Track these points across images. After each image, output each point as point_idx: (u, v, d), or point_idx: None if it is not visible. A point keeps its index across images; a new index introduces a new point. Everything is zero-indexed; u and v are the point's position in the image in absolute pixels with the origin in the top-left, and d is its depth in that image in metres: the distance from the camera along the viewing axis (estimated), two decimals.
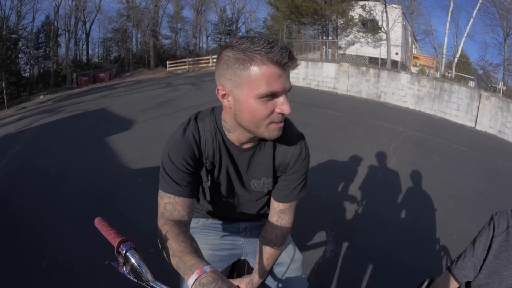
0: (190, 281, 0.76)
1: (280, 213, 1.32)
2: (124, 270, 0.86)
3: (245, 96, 1.00)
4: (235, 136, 1.17)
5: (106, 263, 0.89)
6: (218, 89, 1.06)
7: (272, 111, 1.01)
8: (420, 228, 3.87)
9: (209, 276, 0.74)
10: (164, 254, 0.96)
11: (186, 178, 1.13)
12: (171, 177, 1.12)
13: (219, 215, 1.51)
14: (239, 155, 1.23)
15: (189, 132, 1.16)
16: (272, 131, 1.06)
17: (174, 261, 0.89)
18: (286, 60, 0.95)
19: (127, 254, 0.85)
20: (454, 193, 5.12)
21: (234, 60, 0.98)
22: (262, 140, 1.21)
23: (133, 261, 0.85)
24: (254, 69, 0.95)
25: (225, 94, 1.05)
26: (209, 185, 1.28)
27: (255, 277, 1.38)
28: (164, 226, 1.03)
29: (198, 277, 0.75)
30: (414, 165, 6.19)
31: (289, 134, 1.24)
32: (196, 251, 0.90)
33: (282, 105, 1.00)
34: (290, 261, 1.46)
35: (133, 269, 0.85)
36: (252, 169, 1.27)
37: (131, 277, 0.86)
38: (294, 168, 1.26)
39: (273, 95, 0.99)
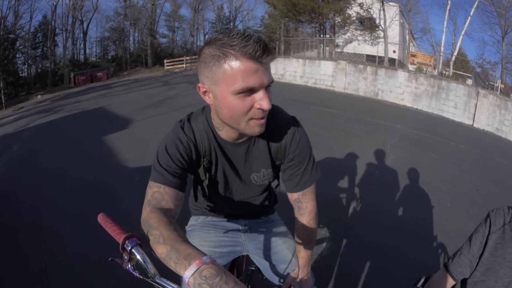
0: (188, 272, 0.69)
1: (296, 202, 1.33)
2: (129, 266, 0.84)
3: (222, 93, 0.98)
4: (224, 133, 1.16)
5: (109, 259, 0.88)
6: (198, 87, 1.05)
7: (251, 107, 0.99)
8: (417, 226, 3.89)
9: (211, 268, 0.68)
10: (151, 242, 0.88)
11: (178, 171, 1.11)
12: (163, 167, 1.09)
13: (219, 212, 1.51)
14: (233, 151, 1.23)
15: (186, 131, 1.17)
16: (252, 127, 1.04)
17: (163, 249, 0.81)
18: (260, 53, 0.92)
19: (133, 250, 0.83)
20: (451, 191, 5.14)
21: (210, 57, 0.96)
22: None
23: (138, 257, 0.83)
24: (229, 65, 0.93)
25: (205, 91, 1.05)
26: (207, 183, 1.28)
27: (297, 270, 1.42)
28: (152, 214, 0.97)
29: (198, 269, 0.69)
30: (411, 162, 6.20)
31: (279, 120, 1.23)
32: (188, 242, 0.83)
33: (260, 101, 0.97)
34: (291, 257, 1.46)
35: (138, 266, 0.84)
36: (250, 163, 1.27)
37: (136, 274, 0.84)
38: (292, 153, 1.25)
39: (251, 91, 0.96)
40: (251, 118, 1.01)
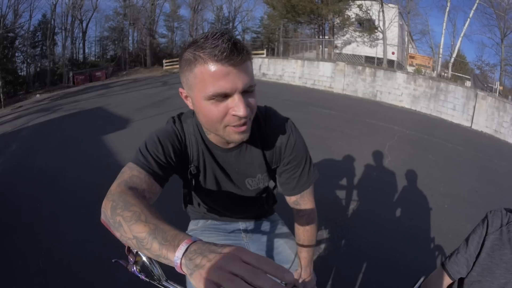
0: (178, 253, 0.63)
1: (295, 205, 1.30)
2: (134, 269, 0.83)
3: (197, 98, 0.94)
4: (214, 137, 1.12)
5: (113, 260, 0.87)
6: (180, 91, 1.03)
7: (226, 113, 0.93)
8: (415, 227, 3.90)
9: (200, 242, 0.63)
10: (125, 219, 0.76)
11: (164, 164, 1.04)
12: (150, 154, 1.02)
13: (218, 215, 1.49)
14: (224, 156, 1.18)
15: (179, 131, 1.13)
16: (231, 135, 0.98)
17: (145, 228, 0.72)
18: (227, 54, 0.85)
19: (139, 252, 0.82)
20: (449, 192, 5.15)
21: (184, 62, 0.93)
22: None
23: (144, 259, 0.82)
24: (199, 69, 0.88)
25: (186, 96, 1.02)
26: (194, 189, 1.27)
27: (300, 270, 1.41)
28: (129, 191, 0.87)
29: (188, 247, 0.63)
30: (410, 164, 6.21)
31: (273, 123, 1.18)
32: (172, 225, 0.74)
33: (235, 107, 0.91)
34: (294, 257, 1.46)
35: (143, 268, 0.83)
36: (244, 168, 1.22)
37: (142, 276, 0.83)
38: (287, 157, 1.20)
39: (225, 96, 0.90)
40: (227, 125, 0.95)
